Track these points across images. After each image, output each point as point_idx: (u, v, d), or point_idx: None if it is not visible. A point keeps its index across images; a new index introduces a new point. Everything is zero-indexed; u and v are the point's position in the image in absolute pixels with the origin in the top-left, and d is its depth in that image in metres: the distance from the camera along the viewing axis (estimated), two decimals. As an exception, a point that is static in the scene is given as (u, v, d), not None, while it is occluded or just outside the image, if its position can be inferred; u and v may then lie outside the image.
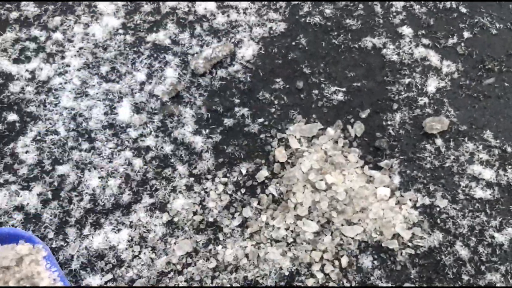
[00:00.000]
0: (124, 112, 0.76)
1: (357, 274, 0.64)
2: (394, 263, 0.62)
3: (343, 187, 0.67)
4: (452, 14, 0.81)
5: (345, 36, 0.81)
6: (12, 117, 0.77)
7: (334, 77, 0.76)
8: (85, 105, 0.77)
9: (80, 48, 0.83)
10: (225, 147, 0.72)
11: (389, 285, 0.61)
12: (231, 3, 0.86)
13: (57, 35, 0.85)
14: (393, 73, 0.75)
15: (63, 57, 0.83)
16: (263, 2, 0.85)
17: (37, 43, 0.84)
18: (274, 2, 0.85)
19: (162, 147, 0.73)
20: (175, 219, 0.67)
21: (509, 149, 0.67)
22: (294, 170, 0.69)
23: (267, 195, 0.69)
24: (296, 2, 0.85)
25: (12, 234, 0.61)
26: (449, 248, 0.63)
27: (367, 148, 0.70)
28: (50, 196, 0.70)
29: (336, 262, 0.65)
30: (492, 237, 0.62)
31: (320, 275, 0.64)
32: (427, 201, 0.66)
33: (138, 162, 0.72)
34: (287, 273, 0.64)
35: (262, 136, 0.73)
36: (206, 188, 0.69)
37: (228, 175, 0.70)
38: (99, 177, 0.71)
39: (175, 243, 0.66)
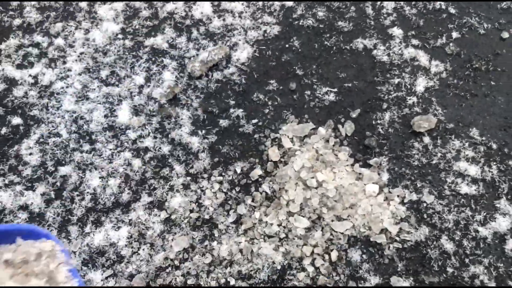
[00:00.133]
0: (124, 115, 0.79)
1: (346, 268, 0.66)
2: (382, 257, 0.64)
3: (333, 185, 0.70)
4: (442, 15, 0.83)
5: (337, 38, 0.83)
6: (16, 120, 0.80)
7: (326, 78, 0.79)
8: (86, 108, 0.80)
9: (81, 53, 0.86)
10: (220, 147, 0.75)
11: (377, 278, 0.64)
12: (227, 7, 0.88)
13: (59, 41, 0.87)
14: (383, 73, 0.77)
15: (64, 62, 0.85)
16: (257, 6, 0.88)
17: (39, 48, 0.87)
18: (268, 6, 0.87)
19: (160, 148, 0.76)
20: (173, 217, 0.70)
21: (494, 146, 0.69)
22: (286, 169, 0.72)
23: (261, 193, 0.71)
24: (290, 5, 0.88)
25: (32, 230, 0.64)
26: (435, 242, 0.65)
27: (357, 146, 0.72)
28: (53, 196, 0.73)
29: (326, 256, 0.67)
30: (476, 231, 0.65)
31: (311, 269, 0.66)
32: (414, 197, 0.68)
33: (137, 163, 0.75)
34: (279, 267, 0.67)
35: (256, 136, 0.75)
36: (202, 186, 0.72)
37: (223, 174, 0.73)
38: (100, 177, 0.74)
39: (172, 240, 0.68)
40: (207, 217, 0.69)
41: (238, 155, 0.73)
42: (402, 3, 0.85)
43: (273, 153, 0.73)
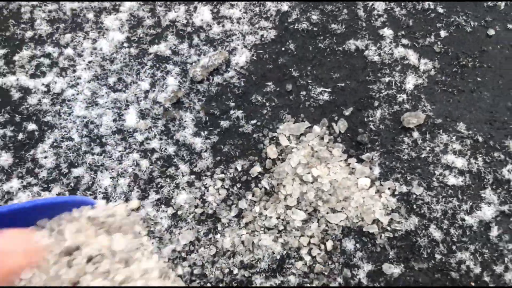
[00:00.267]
0: (131, 118, 0.83)
1: (341, 256, 0.71)
2: (374, 246, 0.68)
3: (328, 179, 0.74)
4: (430, 14, 0.87)
5: (330, 40, 0.87)
6: (32, 126, 0.85)
7: (320, 79, 0.83)
8: (95, 113, 0.85)
9: (90, 62, 0.91)
10: (222, 146, 0.79)
11: (370, 265, 0.68)
12: (226, 13, 0.93)
13: (68, 51, 0.92)
14: (374, 72, 0.81)
15: (74, 71, 0.91)
16: (254, 12, 0.92)
17: (50, 59, 0.92)
18: (265, 11, 0.92)
19: (165, 149, 0.80)
20: (179, 212, 0.75)
21: (480, 139, 0.73)
22: (284, 165, 0.76)
23: (260, 189, 0.76)
24: (286, 10, 0.92)
25: (86, 201, 0.70)
26: (424, 231, 0.69)
27: (350, 143, 0.76)
28: (68, 195, 0.78)
29: (322, 246, 0.72)
30: (463, 219, 0.68)
31: (307, 258, 0.71)
32: (404, 189, 0.72)
33: (144, 163, 0.79)
34: (278, 257, 0.71)
35: (255, 135, 0.79)
36: (206, 184, 0.77)
37: (225, 171, 0.77)
38: (110, 177, 0.79)
39: (179, 233, 0.73)
40: (210, 212, 0.73)
41: (238, 153, 0.77)
42: (392, 4, 0.89)
43: (271, 151, 0.78)
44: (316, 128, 0.79)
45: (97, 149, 0.82)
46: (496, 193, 0.69)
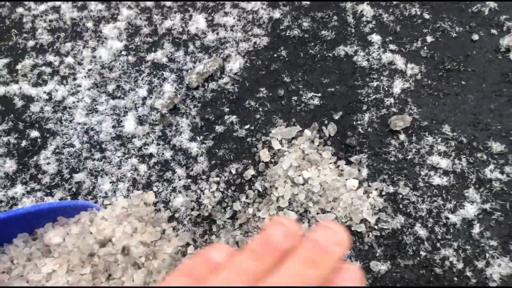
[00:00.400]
0: (129, 125, 0.87)
1: (331, 255, 0.74)
2: (362, 244, 0.72)
3: (318, 181, 0.77)
4: (417, 20, 0.90)
5: (320, 46, 0.90)
6: (34, 133, 0.88)
7: (311, 84, 0.86)
8: (95, 120, 0.89)
9: (89, 70, 0.95)
10: (217, 150, 0.83)
11: (358, 262, 0.71)
12: (220, 21, 0.96)
13: (69, 59, 0.96)
14: (363, 77, 0.84)
15: (75, 79, 0.94)
16: (247, 19, 0.96)
17: (52, 67, 0.96)
18: (258, 19, 0.95)
19: (163, 154, 0.84)
20: (176, 215, 0.78)
21: (464, 140, 0.76)
22: (276, 168, 0.79)
23: (254, 191, 0.79)
24: (278, 17, 0.95)
25: (86, 205, 0.74)
26: (409, 229, 0.72)
27: (339, 146, 0.80)
28: (70, 200, 0.82)
29: (313, 245, 0.75)
30: (447, 218, 0.71)
31: (299, 257, 0.74)
32: (391, 189, 0.75)
33: (143, 168, 0.83)
34: (271, 256, 0.75)
35: (248, 139, 0.83)
36: (202, 187, 0.80)
37: (220, 175, 0.81)
38: (110, 182, 0.82)
39: (176, 235, 0.77)
40: (206, 214, 0.77)
41: (233, 157, 0.81)
42: (380, 10, 0.92)
43: (264, 155, 0.81)
44: (307, 132, 0.82)
45: (97, 155, 0.85)
46: (478, 192, 0.72)
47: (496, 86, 0.80)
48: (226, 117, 0.85)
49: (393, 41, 0.87)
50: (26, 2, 1.05)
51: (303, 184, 0.78)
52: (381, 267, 0.70)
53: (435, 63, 0.84)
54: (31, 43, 0.99)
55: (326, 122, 0.81)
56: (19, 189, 0.81)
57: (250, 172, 0.80)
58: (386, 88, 0.82)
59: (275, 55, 0.90)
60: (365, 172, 0.77)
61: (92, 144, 0.86)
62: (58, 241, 0.69)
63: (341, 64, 0.86)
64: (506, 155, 0.74)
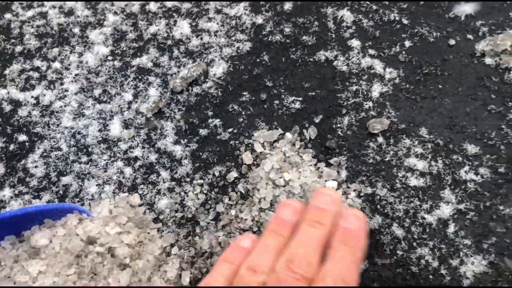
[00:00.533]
0: (115, 128, 0.89)
1: (310, 254, 0.76)
2: (341, 244, 0.74)
3: (298, 183, 0.80)
4: (396, 25, 0.92)
5: (302, 52, 0.92)
6: (22, 137, 0.90)
7: (292, 88, 0.88)
8: (82, 124, 0.91)
9: (76, 75, 0.96)
10: (200, 153, 0.85)
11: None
12: (204, 27, 0.98)
13: (56, 64, 0.98)
14: (342, 82, 0.87)
15: (62, 84, 0.96)
16: (231, 25, 0.98)
17: (39, 72, 0.98)
18: (241, 24, 0.97)
19: (148, 157, 0.86)
20: (160, 217, 0.80)
21: (441, 143, 0.78)
22: (258, 170, 0.81)
23: (236, 193, 0.81)
24: (260, 23, 0.98)
25: (73, 208, 0.76)
26: (387, 229, 0.74)
27: (319, 148, 0.82)
28: (57, 203, 0.83)
29: (293, 245, 0.77)
30: (423, 218, 0.73)
31: (279, 257, 0.77)
32: (369, 190, 0.77)
33: (128, 170, 0.85)
34: (252, 256, 0.77)
35: (232, 142, 0.85)
36: (186, 189, 0.82)
37: (203, 177, 0.83)
38: (97, 185, 0.84)
39: (161, 237, 0.79)
40: (190, 215, 0.79)
41: (216, 160, 0.82)
42: (360, 16, 0.94)
43: (247, 157, 0.83)
44: (288, 135, 0.84)
45: (84, 158, 0.87)
46: (454, 193, 0.74)
47: (471, 90, 0.82)
48: (209, 120, 0.87)
49: (372, 46, 0.89)
50: (14, 8, 1.06)
51: (284, 186, 0.80)
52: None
53: (413, 68, 0.86)
54: (18, 48, 1.00)
55: (307, 125, 0.83)
56: (7, 192, 0.83)
57: (233, 174, 0.81)
58: (365, 92, 0.84)
59: (258, 60, 0.92)
60: (344, 173, 0.79)
61: (79, 147, 0.88)
62: (45, 243, 0.70)
63: (322, 69, 0.88)
64: (480, 156, 0.76)
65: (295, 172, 0.81)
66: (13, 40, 1.02)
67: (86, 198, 0.81)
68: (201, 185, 0.81)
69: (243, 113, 0.87)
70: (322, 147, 0.82)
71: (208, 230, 0.78)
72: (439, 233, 0.72)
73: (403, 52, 0.90)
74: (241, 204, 0.81)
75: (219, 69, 0.91)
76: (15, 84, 0.95)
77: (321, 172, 0.81)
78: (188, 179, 0.82)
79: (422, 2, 0.94)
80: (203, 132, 0.86)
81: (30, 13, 1.06)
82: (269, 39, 0.95)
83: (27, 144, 0.89)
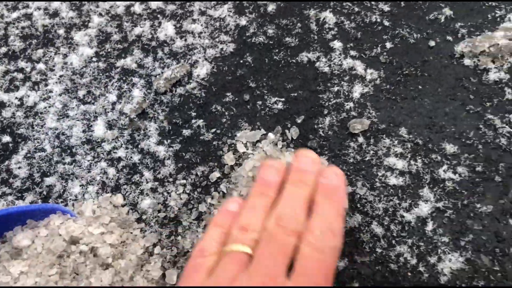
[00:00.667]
0: (99, 129, 0.89)
1: (291, 253, 0.77)
2: (322, 242, 0.75)
3: (280, 182, 0.81)
4: (377, 27, 0.93)
5: (284, 53, 0.93)
6: (6, 138, 0.90)
7: (275, 89, 0.89)
8: (66, 125, 0.91)
9: (61, 76, 0.97)
10: (184, 154, 0.85)
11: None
12: (188, 28, 0.99)
13: (40, 66, 0.98)
14: (324, 83, 0.88)
15: (46, 85, 0.96)
16: (215, 26, 0.99)
17: (23, 73, 0.98)
18: (225, 26, 0.98)
19: (131, 157, 0.86)
20: (143, 217, 0.81)
21: (420, 142, 0.80)
22: (240, 170, 0.82)
23: (219, 193, 0.82)
24: (244, 24, 0.99)
25: (56, 208, 0.76)
26: (366, 227, 0.75)
27: (301, 148, 0.82)
28: (40, 204, 0.84)
29: (274, 244, 0.78)
30: (402, 216, 0.74)
31: (261, 255, 0.78)
32: (349, 189, 0.78)
33: (112, 171, 0.85)
34: (234, 255, 0.77)
35: (215, 143, 0.86)
36: (168, 189, 0.83)
37: (186, 177, 0.83)
38: (80, 185, 0.85)
39: (143, 236, 0.79)
40: (172, 215, 0.79)
41: (199, 160, 0.83)
42: (342, 17, 0.95)
43: (229, 158, 0.84)
44: (271, 135, 0.85)
45: (68, 159, 0.87)
46: (432, 191, 0.75)
47: (451, 90, 0.84)
48: (193, 121, 0.88)
49: (354, 47, 0.90)
50: (-2, 10, 1.07)
51: (266, 186, 0.81)
52: (339, 263, 0.73)
53: (394, 69, 0.87)
54: (3, 49, 1.01)
55: (289, 125, 0.84)
56: (-10, 193, 0.83)
57: (216, 174, 0.82)
58: (346, 93, 0.85)
59: (241, 61, 0.93)
60: (325, 173, 0.80)
61: (63, 148, 0.88)
62: (27, 243, 0.71)
63: (304, 70, 0.89)
64: (459, 156, 0.77)
65: (276, 172, 0.82)
66: (-3, 42, 1.02)
67: (70, 199, 0.82)
68: (184, 185, 0.82)
69: (226, 113, 0.88)
70: (304, 147, 0.83)
71: (190, 230, 0.78)
72: (418, 231, 0.73)
73: (384, 53, 0.91)
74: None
75: (202, 70, 0.92)
76: (-1, 86, 0.95)
77: (303, 171, 0.82)
78: (171, 179, 0.83)
79: (403, 4, 0.96)
80: (186, 132, 0.86)
81: (15, 14, 1.07)
82: (253, 41, 0.96)
83: (10, 145, 0.89)
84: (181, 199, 0.81)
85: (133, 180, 0.83)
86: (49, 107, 0.92)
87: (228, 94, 0.90)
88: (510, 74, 0.85)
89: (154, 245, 0.77)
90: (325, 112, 0.86)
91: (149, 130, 0.87)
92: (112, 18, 1.03)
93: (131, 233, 0.77)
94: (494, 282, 0.68)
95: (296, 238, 0.53)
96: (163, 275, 0.75)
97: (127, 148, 0.86)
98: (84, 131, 0.89)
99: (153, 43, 0.98)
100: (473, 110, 0.82)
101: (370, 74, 0.89)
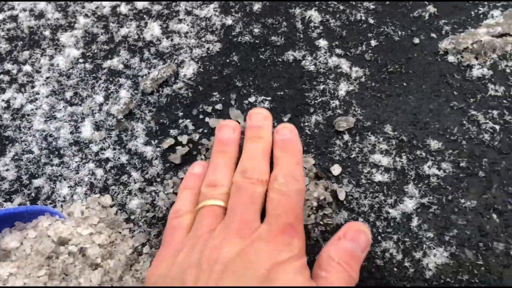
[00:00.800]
0: (87, 130, 0.89)
1: (279, 250, 0.78)
2: (309, 239, 0.75)
3: (266, 180, 0.81)
4: (362, 25, 0.94)
5: (270, 52, 0.94)
6: (-7, 141, 0.90)
7: (261, 88, 0.90)
8: (54, 126, 0.91)
9: (47, 78, 0.97)
10: (171, 154, 0.86)
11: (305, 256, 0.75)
12: (174, 28, 0.99)
13: (27, 68, 0.98)
14: (310, 81, 0.88)
15: (33, 87, 0.96)
16: (201, 26, 0.99)
17: (10, 75, 0.98)
18: (211, 25, 0.99)
19: (119, 158, 0.87)
20: (132, 217, 0.81)
21: (405, 139, 0.80)
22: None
23: (207, 192, 0.83)
24: (230, 24, 0.99)
25: (44, 210, 0.77)
26: (353, 224, 0.76)
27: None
28: (29, 205, 0.84)
29: (262, 242, 0.79)
30: (388, 212, 0.75)
31: (249, 253, 0.78)
32: (335, 186, 0.79)
33: (99, 172, 0.86)
34: (222, 254, 0.78)
35: (201, 142, 0.86)
36: (156, 189, 0.83)
37: (174, 177, 0.84)
38: (68, 187, 0.85)
39: (132, 236, 0.80)
40: (161, 215, 0.80)
41: (186, 160, 0.84)
42: (328, 16, 0.96)
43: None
44: (258, 134, 0.85)
45: (56, 161, 0.87)
46: (417, 187, 0.76)
47: (435, 87, 0.85)
48: (180, 121, 0.88)
49: (339, 45, 0.91)
50: (-17, 12, 1.06)
51: (253, 184, 0.81)
52: (326, 260, 0.73)
53: (379, 66, 0.88)
54: (-11, 52, 1.00)
55: (275, 124, 0.84)
56: (-22, 196, 0.83)
57: (203, 173, 0.82)
58: (332, 91, 0.86)
59: (228, 61, 0.93)
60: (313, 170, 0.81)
61: (51, 150, 0.88)
62: (15, 245, 0.71)
63: (290, 69, 0.90)
64: (443, 152, 0.78)
65: (263, 170, 0.82)
66: (-17, 44, 1.02)
67: (58, 200, 0.82)
68: (172, 185, 0.82)
69: (213, 113, 0.88)
70: (290, 145, 0.84)
71: (178, 229, 0.79)
72: (403, 227, 0.74)
73: (369, 51, 0.92)
74: (211, 202, 0.82)
75: (189, 70, 0.93)
76: (-14, 88, 0.95)
77: (289, 169, 0.83)
78: (158, 179, 0.83)
79: (387, 2, 0.96)
80: (173, 132, 0.87)
81: (0, 16, 1.07)
82: (239, 40, 0.96)
83: (-2, 147, 0.89)
84: (169, 199, 0.81)
85: (121, 181, 0.84)
86: (36, 109, 0.92)
87: (215, 93, 0.91)
88: (493, 71, 0.86)
89: (143, 244, 0.78)
90: (311, 110, 0.87)
91: (137, 131, 0.88)
92: (98, 19, 1.03)
93: (120, 233, 0.78)
94: (478, 276, 0.70)
95: (262, 186, 0.59)
96: (153, 275, 0.75)
97: (114, 149, 0.87)
98: (71, 133, 0.89)
99: (140, 44, 0.98)
100: (457, 106, 0.83)
101: (355, 72, 0.90)
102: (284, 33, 0.96)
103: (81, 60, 0.98)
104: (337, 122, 0.84)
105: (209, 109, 0.89)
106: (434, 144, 0.80)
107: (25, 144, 0.89)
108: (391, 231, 0.75)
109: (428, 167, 0.79)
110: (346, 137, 0.83)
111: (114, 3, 1.03)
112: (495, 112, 0.82)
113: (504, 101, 0.82)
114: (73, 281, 0.69)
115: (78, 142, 0.89)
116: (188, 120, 0.88)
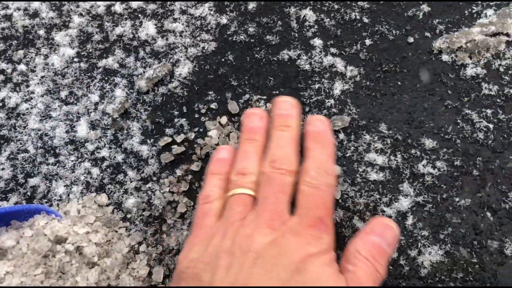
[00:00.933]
0: (82, 130, 0.89)
1: (275, 249, 0.78)
2: (305, 238, 0.76)
3: (263, 179, 0.82)
4: (357, 24, 0.94)
5: (266, 51, 0.94)
6: (-12, 140, 0.90)
7: (257, 87, 0.90)
8: (49, 126, 0.91)
9: (42, 77, 0.97)
10: (167, 152, 0.86)
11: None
12: (169, 27, 0.99)
13: (21, 67, 0.98)
14: (305, 80, 0.89)
15: (28, 86, 0.96)
16: (196, 25, 0.99)
17: (4, 75, 0.98)
18: (206, 24, 0.99)
19: (115, 157, 0.87)
20: (128, 216, 0.82)
21: (400, 138, 0.81)
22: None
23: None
24: (225, 23, 0.99)
25: (40, 209, 0.76)
26: (348, 222, 0.76)
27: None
28: (24, 204, 0.84)
29: (258, 241, 0.79)
30: (383, 211, 0.76)
31: (245, 252, 0.79)
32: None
33: (95, 171, 0.86)
34: (218, 252, 0.78)
35: (197, 141, 0.86)
36: (152, 188, 0.83)
37: (170, 176, 0.84)
38: (64, 186, 0.85)
39: (129, 235, 0.80)
40: (157, 214, 0.80)
41: (183, 158, 0.84)
42: (322, 15, 0.96)
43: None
44: (253, 133, 0.86)
45: (52, 160, 0.87)
46: (412, 186, 0.77)
47: (429, 85, 0.85)
48: (176, 120, 0.88)
49: (334, 44, 0.91)
50: (-23, 10, 1.06)
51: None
52: (321, 258, 0.74)
53: (373, 65, 0.88)
54: (-17, 51, 1.00)
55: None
56: (-27, 195, 0.83)
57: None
58: (327, 90, 0.86)
59: (223, 60, 0.93)
60: (307, 170, 0.81)
61: (46, 149, 0.88)
62: (12, 244, 0.71)
63: (285, 68, 0.90)
64: (437, 150, 0.79)
65: (259, 169, 0.83)
66: (-23, 43, 1.01)
67: (54, 199, 0.82)
68: (168, 184, 0.82)
69: (209, 112, 0.88)
70: (286, 144, 0.84)
71: (175, 228, 0.79)
72: (398, 225, 0.74)
73: (364, 50, 0.92)
74: (207, 201, 0.82)
75: (184, 69, 0.93)
76: (-19, 87, 0.95)
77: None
78: (154, 178, 0.83)
79: (382, 1, 0.97)
80: (169, 131, 0.87)
81: (-6, 15, 1.06)
82: (234, 39, 0.96)
83: (-7, 146, 0.89)
84: (165, 197, 0.81)
85: (117, 180, 0.84)
86: (31, 108, 0.92)
87: (210, 92, 0.91)
88: (486, 70, 0.86)
89: (140, 243, 0.78)
90: (307, 109, 0.87)
91: (132, 130, 0.88)
92: (92, 18, 1.03)
93: (116, 232, 0.78)
94: (472, 274, 0.70)
95: (292, 177, 0.60)
96: (150, 273, 0.75)
97: (110, 148, 0.87)
98: (67, 132, 0.89)
99: (135, 43, 0.98)
100: (451, 105, 0.84)
101: (350, 71, 0.90)
102: (279, 32, 0.96)
103: (76, 59, 0.98)
104: (332, 121, 0.84)
105: (204, 108, 0.89)
106: (429, 143, 0.80)
107: (21, 143, 0.89)
108: (386, 229, 0.75)
109: (423, 165, 0.79)
110: (341, 136, 0.84)
111: (108, 2, 1.03)
112: (489, 111, 0.82)
113: (498, 100, 0.83)
114: (70, 280, 0.69)
115: (73, 141, 0.89)
116: (184, 119, 0.88)
